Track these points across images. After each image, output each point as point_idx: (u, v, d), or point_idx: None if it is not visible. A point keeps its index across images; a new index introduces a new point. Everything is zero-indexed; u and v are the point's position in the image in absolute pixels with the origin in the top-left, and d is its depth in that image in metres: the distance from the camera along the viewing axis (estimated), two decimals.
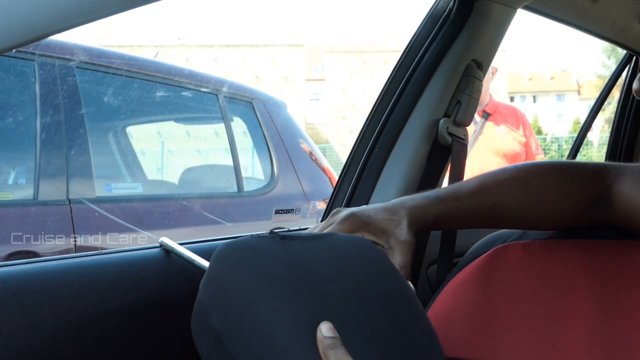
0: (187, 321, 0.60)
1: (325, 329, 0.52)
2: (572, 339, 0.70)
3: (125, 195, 2.36)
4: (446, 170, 1.10)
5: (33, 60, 2.00)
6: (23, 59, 1.99)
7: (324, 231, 0.71)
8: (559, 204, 0.74)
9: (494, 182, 0.74)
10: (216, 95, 2.66)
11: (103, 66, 2.25)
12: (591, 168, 0.75)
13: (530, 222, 0.76)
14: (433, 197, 0.73)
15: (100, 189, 2.19)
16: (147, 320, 0.77)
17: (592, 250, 0.74)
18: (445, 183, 1.09)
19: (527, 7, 1.12)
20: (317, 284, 0.56)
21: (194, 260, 0.76)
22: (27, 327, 0.67)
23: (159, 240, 0.82)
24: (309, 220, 2.68)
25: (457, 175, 1.05)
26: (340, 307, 0.55)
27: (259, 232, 0.61)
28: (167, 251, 0.82)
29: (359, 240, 0.65)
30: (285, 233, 0.61)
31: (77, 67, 2.11)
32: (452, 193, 0.74)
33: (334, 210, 0.75)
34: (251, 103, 2.79)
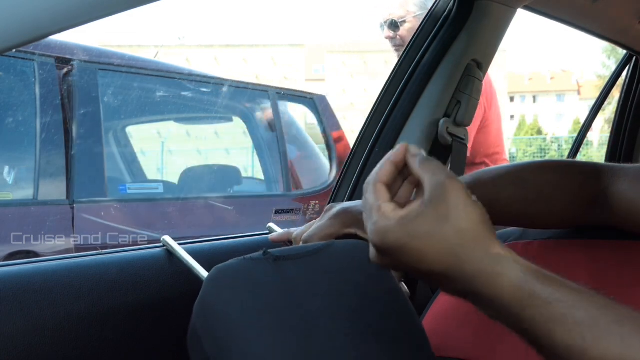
0: (187, 321, 0.60)
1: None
2: None
3: (144, 195, 2.33)
4: None
5: (32, 60, 1.99)
6: (23, 58, 1.99)
7: (318, 227, 0.70)
8: (555, 202, 0.73)
9: (489, 178, 0.74)
10: (267, 92, 2.63)
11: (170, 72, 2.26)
12: (588, 168, 0.75)
13: (525, 219, 0.76)
14: None
15: (114, 189, 2.19)
16: (148, 320, 0.77)
17: (592, 250, 0.74)
18: None
19: (527, 7, 1.12)
20: (306, 311, 0.56)
21: (193, 267, 0.76)
22: (27, 327, 0.67)
23: (161, 239, 0.82)
24: None
25: (457, 175, 1.05)
26: (329, 334, 0.55)
27: (252, 254, 0.60)
28: (168, 251, 0.82)
29: (356, 248, 0.64)
30: (279, 252, 0.60)
31: (100, 69, 2.12)
32: None
33: (327, 207, 0.74)
34: (313, 99, 2.82)
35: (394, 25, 1.84)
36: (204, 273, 0.73)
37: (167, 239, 0.81)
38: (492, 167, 0.78)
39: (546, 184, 0.74)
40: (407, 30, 1.86)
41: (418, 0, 1.88)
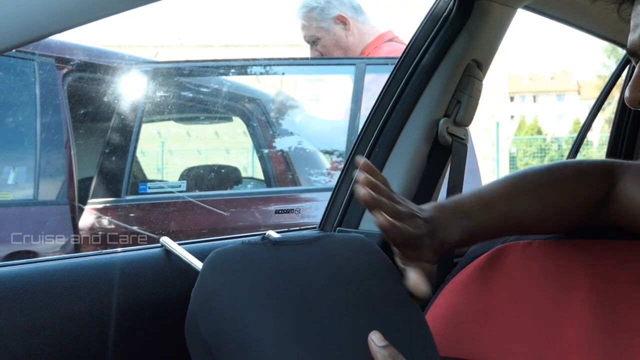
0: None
1: (377, 339, 0.52)
2: (572, 338, 0.70)
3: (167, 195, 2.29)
4: (446, 170, 1.10)
5: (32, 60, 2.00)
6: (23, 58, 1.99)
7: None
8: (568, 207, 0.73)
9: (506, 191, 0.73)
10: (355, 65, 2.49)
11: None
12: (599, 170, 0.75)
13: (539, 226, 0.75)
14: (459, 213, 0.68)
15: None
16: (148, 320, 0.77)
17: (592, 250, 0.74)
18: (445, 183, 1.09)
19: (527, 7, 1.12)
20: (305, 295, 0.55)
21: (192, 263, 0.76)
22: (27, 327, 0.67)
23: (160, 240, 0.82)
24: None
25: (457, 175, 1.05)
26: (328, 319, 0.55)
27: (251, 238, 0.60)
28: (167, 251, 0.82)
29: (356, 240, 0.64)
30: (277, 238, 0.60)
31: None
32: (473, 206, 0.70)
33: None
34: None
35: (312, 44, 1.92)
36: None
37: (166, 239, 0.81)
38: (504, 177, 0.77)
39: (561, 191, 0.73)
40: (323, 45, 1.92)
41: (316, 12, 1.92)
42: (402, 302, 0.60)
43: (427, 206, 0.68)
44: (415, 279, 0.61)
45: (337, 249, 0.61)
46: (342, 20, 1.96)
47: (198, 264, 0.75)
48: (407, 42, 2.15)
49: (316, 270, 0.58)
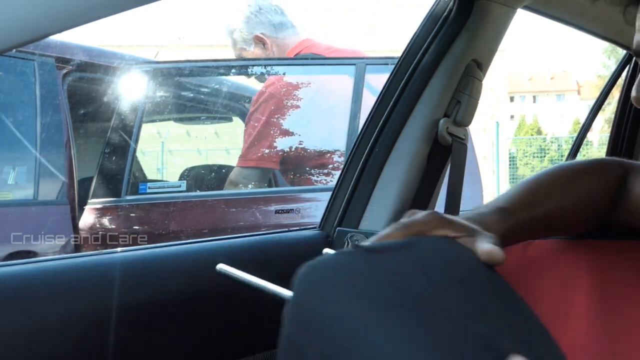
0: (189, 321, 0.60)
1: None
2: (572, 338, 0.70)
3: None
4: (446, 170, 1.10)
5: (32, 60, 1.99)
6: (23, 59, 1.99)
7: (403, 231, 0.61)
8: (590, 207, 0.73)
9: (543, 191, 0.72)
10: (354, 64, 2.43)
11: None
12: (615, 169, 0.75)
13: (573, 227, 0.74)
14: (502, 210, 0.67)
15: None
16: (148, 320, 0.77)
17: (592, 250, 0.74)
18: (445, 183, 1.09)
19: (527, 7, 1.12)
20: (421, 304, 0.49)
21: (252, 282, 0.70)
22: (27, 326, 0.67)
23: (217, 268, 0.77)
24: None
25: (457, 175, 1.05)
26: (453, 326, 0.48)
27: (342, 249, 0.56)
28: (168, 252, 0.82)
29: (446, 243, 0.58)
30: (370, 246, 0.54)
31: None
32: (514, 204, 0.68)
33: (410, 211, 0.68)
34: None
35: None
36: (265, 284, 0.68)
37: (223, 266, 0.75)
38: (535, 177, 0.75)
39: (591, 190, 0.73)
40: (256, 54, 2.07)
41: (236, 34, 2.06)
42: (510, 299, 0.56)
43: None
44: (487, 247, 0.57)
45: (432, 253, 0.56)
46: (261, 40, 2.06)
47: (258, 281, 0.70)
48: (321, 50, 2.24)
49: (422, 276, 0.52)
